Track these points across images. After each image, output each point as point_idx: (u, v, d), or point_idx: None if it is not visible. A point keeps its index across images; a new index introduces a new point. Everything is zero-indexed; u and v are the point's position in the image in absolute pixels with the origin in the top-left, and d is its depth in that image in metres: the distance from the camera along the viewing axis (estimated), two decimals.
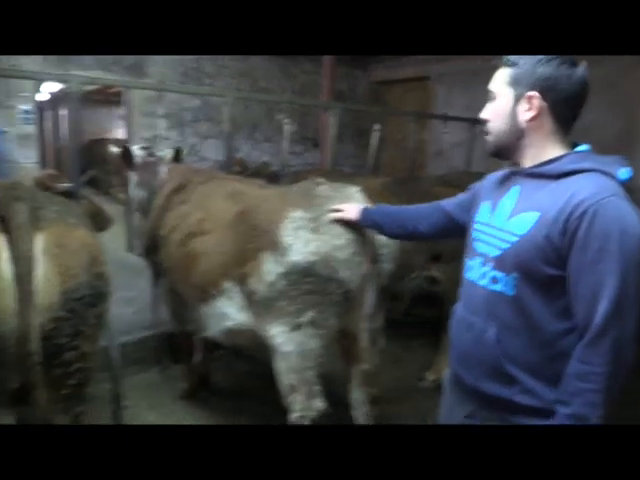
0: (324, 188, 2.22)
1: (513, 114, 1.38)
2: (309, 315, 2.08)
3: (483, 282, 1.41)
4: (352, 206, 2.05)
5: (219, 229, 2.36)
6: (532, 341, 1.33)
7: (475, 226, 1.52)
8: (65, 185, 3.46)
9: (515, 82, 1.36)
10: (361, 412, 2.44)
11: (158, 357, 3.63)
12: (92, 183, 13.58)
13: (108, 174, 12.94)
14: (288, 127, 4.11)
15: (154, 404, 3.26)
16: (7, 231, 1.53)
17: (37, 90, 6.54)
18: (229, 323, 2.40)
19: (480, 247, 1.46)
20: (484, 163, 6.24)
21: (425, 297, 4.38)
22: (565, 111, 1.35)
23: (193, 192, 2.72)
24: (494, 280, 1.38)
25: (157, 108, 3.97)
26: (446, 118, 5.39)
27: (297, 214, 2.09)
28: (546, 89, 1.32)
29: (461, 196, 1.79)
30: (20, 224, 1.53)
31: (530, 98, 1.34)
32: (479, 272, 1.44)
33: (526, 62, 1.34)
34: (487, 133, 1.46)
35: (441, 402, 1.74)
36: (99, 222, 2.38)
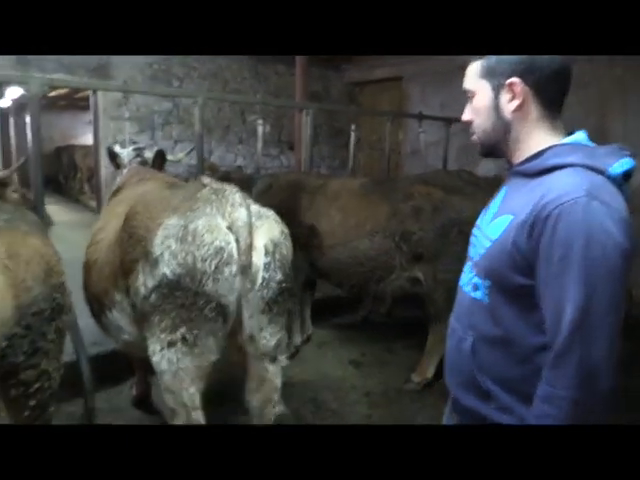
0: (205, 191, 2.01)
1: (496, 107, 1.25)
2: (181, 332, 1.88)
3: (467, 288, 1.33)
4: None
5: (110, 238, 2.25)
6: (508, 355, 1.22)
7: (473, 229, 1.42)
8: None
9: (489, 73, 1.23)
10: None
11: (132, 368, 3.47)
12: (60, 190, 13.33)
13: (77, 181, 12.75)
14: (261, 128, 4.01)
15: (131, 418, 3.12)
16: None
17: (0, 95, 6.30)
18: (125, 336, 2.27)
19: (471, 251, 1.37)
20: (459, 162, 6.30)
21: (407, 298, 4.35)
22: (551, 90, 1.22)
23: (117, 197, 2.63)
24: (475, 287, 1.29)
25: (125, 112, 3.81)
26: (421, 117, 5.36)
27: (172, 221, 1.90)
28: (525, 72, 1.19)
29: None
30: None
31: (511, 85, 1.20)
32: (467, 277, 1.35)
33: None
34: (472, 134, 1.33)
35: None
36: None
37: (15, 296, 1.47)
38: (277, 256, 1.98)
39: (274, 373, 2.07)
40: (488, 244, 1.24)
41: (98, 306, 2.30)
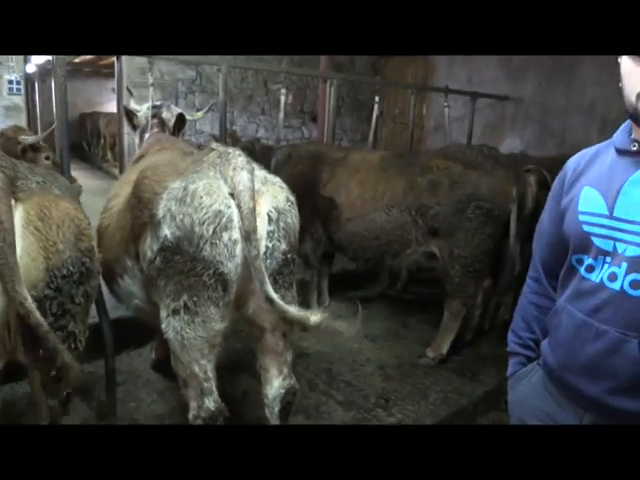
0: (212, 155, 1.95)
1: None
2: (183, 300, 1.85)
3: (615, 285, 1.20)
4: None
5: (121, 204, 2.23)
6: None
7: (583, 218, 1.28)
8: (30, 138, 3.38)
9: None
10: (275, 410, 2.10)
11: (152, 332, 3.56)
12: (83, 156, 13.46)
13: (100, 148, 12.86)
14: (284, 98, 3.98)
15: (148, 381, 3.22)
16: None
17: (25, 60, 6.33)
18: (136, 301, 2.26)
19: (603, 243, 1.24)
20: (484, 138, 6.19)
21: (424, 274, 4.35)
22: None
23: (135, 165, 2.61)
24: (636, 285, 1.16)
25: (149, 79, 3.81)
26: (447, 91, 5.26)
27: (175, 184, 1.87)
28: None
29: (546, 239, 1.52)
30: None
31: None
32: (607, 272, 1.22)
33: None
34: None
35: (518, 392, 1.54)
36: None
37: (46, 258, 1.52)
38: (281, 224, 1.89)
39: (284, 348, 2.04)
40: None
41: (110, 272, 2.28)
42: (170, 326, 1.91)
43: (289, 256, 1.95)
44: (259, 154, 4.29)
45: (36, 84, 10.13)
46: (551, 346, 1.38)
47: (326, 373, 3.44)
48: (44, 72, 10.32)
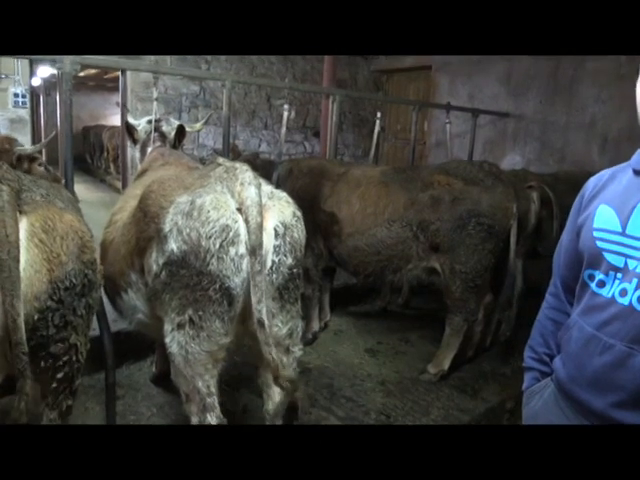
0: (219, 169, 1.96)
1: None
2: (188, 314, 1.84)
3: (624, 300, 1.22)
4: None
5: (126, 217, 2.23)
6: None
7: (597, 234, 1.31)
8: (29, 148, 3.41)
9: None
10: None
11: (153, 346, 3.56)
12: (86, 169, 13.55)
13: (103, 160, 12.94)
14: (287, 114, 4.02)
15: (148, 395, 3.21)
16: None
17: (31, 74, 6.41)
18: (139, 315, 2.25)
19: (614, 259, 1.26)
20: (485, 155, 6.23)
21: (425, 289, 4.35)
22: None
23: (139, 180, 2.61)
24: None
25: (154, 93, 3.85)
26: (449, 108, 5.30)
27: (182, 199, 1.87)
28: None
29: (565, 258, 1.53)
30: (1, 206, 1.43)
31: None
32: (618, 288, 1.23)
33: None
34: None
35: (531, 406, 1.54)
36: None
37: (49, 270, 1.52)
38: (288, 239, 1.89)
39: (287, 363, 1.99)
40: None
41: (113, 286, 2.29)
42: (174, 340, 1.90)
43: (295, 271, 1.94)
44: (260, 168, 4.31)
45: (41, 97, 10.26)
46: (562, 360, 1.39)
47: (327, 388, 3.43)
48: (49, 85, 10.46)
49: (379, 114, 4.82)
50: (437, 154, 7.00)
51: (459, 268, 3.29)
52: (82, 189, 9.25)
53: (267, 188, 1.98)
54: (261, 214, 1.79)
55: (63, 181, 2.89)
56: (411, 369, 3.75)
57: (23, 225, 1.50)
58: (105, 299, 2.45)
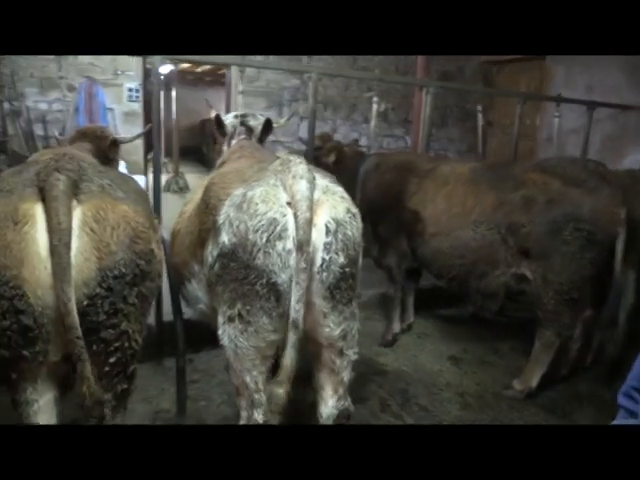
0: (276, 162, 1.91)
1: None
2: (238, 308, 1.82)
3: None
4: None
5: (192, 209, 2.26)
6: None
7: None
8: (126, 138, 3.64)
9: None
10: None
11: None
12: (202, 160, 14.33)
13: (216, 152, 13.59)
14: (376, 106, 3.90)
15: (222, 382, 3.22)
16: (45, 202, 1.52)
17: (145, 71, 6.87)
18: (201, 305, 2.27)
19: None
20: (603, 152, 5.62)
21: (523, 297, 4.01)
22: None
23: (218, 171, 2.62)
24: None
25: (257, 87, 3.94)
26: (559, 100, 4.84)
27: (238, 191, 1.86)
28: None
29: None
30: (56, 195, 1.50)
31: None
32: None
33: None
34: None
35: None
36: None
37: (99, 258, 1.58)
38: (340, 236, 1.79)
39: (341, 366, 1.94)
40: None
41: (179, 276, 2.35)
42: (225, 333, 1.90)
43: (347, 270, 1.84)
44: (348, 158, 4.23)
45: (161, 93, 10.99)
46: None
47: (401, 394, 3.29)
48: (167, 81, 11.19)
49: (480, 107, 4.54)
50: (548, 151, 6.45)
51: (552, 278, 2.97)
52: (194, 178, 9.78)
53: (322, 182, 1.90)
54: (311, 209, 1.72)
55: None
56: (495, 383, 3.48)
57: (77, 214, 1.56)
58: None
